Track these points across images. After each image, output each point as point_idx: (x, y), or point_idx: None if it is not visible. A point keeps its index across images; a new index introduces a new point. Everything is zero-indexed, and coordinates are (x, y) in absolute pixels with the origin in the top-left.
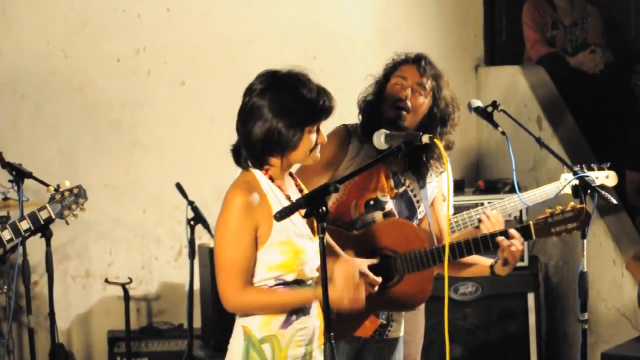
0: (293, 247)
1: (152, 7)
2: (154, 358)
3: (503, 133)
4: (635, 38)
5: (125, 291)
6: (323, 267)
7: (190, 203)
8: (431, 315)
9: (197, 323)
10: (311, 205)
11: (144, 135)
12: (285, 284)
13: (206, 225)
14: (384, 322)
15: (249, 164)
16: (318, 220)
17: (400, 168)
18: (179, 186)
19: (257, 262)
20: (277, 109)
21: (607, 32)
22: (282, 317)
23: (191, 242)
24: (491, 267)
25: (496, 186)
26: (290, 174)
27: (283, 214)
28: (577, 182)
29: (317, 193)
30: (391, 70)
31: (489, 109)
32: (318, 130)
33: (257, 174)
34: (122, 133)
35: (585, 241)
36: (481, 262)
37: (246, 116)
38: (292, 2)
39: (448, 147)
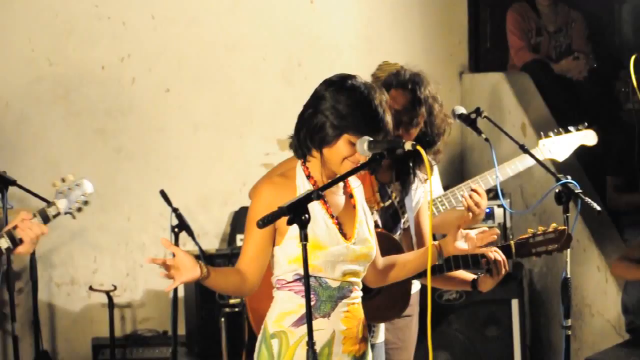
0: (312, 242)
1: (137, 15)
2: None
3: (487, 140)
4: (620, 45)
5: (110, 298)
6: (306, 273)
7: (175, 210)
8: None
9: (182, 330)
10: (294, 212)
11: (128, 142)
12: (302, 279)
13: (190, 232)
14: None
15: (296, 150)
16: (300, 227)
17: (387, 179)
18: (163, 193)
19: (278, 255)
20: (331, 106)
21: (591, 38)
22: (295, 316)
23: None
24: (473, 281)
25: None
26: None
27: (265, 221)
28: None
29: (299, 200)
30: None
31: (473, 116)
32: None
33: (298, 169)
34: (106, 140)
35: (569, 248)
36: (463, 277)
37: (308, 102)
38: (277, 9)
39: (436, 154)
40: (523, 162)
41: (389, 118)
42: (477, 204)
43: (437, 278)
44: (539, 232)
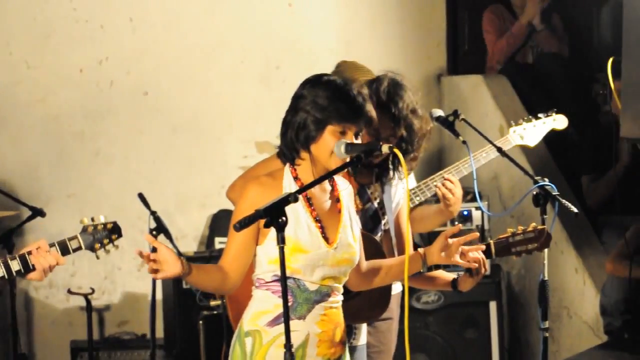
0: (292, 245)
1: (115, 18)
2: None
3: (464, 142)
4: (598, 47)
5: (88, 301)
6: (283, 275)
7: (153, 213)
8: None
9: (160, 333)
10: (271, 215)
11: (106, 145)
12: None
13: (168, 236)
14: (347, 328)
15: (285, 158)
16: (277, 230)
17: (368, 180)
18: (141, 196)
19: (259, 255)
20: (311, 101)
21: (568, 38)
22: (270, 315)
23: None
24: (453, 281)
25: None
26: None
27: (242, 224)
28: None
29: (276, 203)
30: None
31: (451, 119)
32: (344, 134)
33: (286, 170)
34: (84, 143)
35: (546, 250)
36: (443, 277)
37: (289, 106)
38: (255, 13)
39: (412, 160)
40: (494, 151)
41: (370, 107)
42: (451, 191)
43: (417, 279)
44: (518, 232)
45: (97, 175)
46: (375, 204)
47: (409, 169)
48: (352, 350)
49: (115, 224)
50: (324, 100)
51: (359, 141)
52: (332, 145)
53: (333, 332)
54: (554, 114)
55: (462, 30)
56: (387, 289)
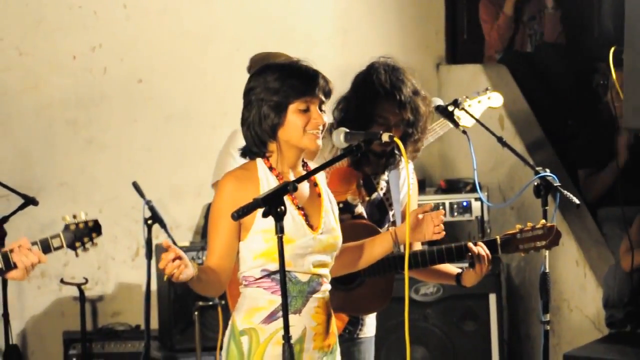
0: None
1: (109, 4)
2: (110, 359)
3: (464, 132)
4: (598, 36)
5: (81, 292)
6: (282, 265)
7: (147, 202)
8: (392, 316)
9: (155, 324)
10: (269, 204)
11: (99, 133)
12: (270, 274)
13: (163, 225)
14: (354, 319)
15: (254, 154)
16: (276, 219)
17: (375, 170)
18: (135, 185)
19: (243, 252)
20: (263, 89)
21: (567, 26)
22: (265, 312)
23: (148, 241)
24: (457, 276)
25: (457, 186)
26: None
27: (240, 213)
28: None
29: (274, 193)
30: (370, 107)
31: (450, 108)
32: (308, 110)
33: (258, 162)
34: (77, 131)
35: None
36: (447, 271)
37: (243, 103)
38: (251, 0)
39: (417, 151)
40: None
41: (323, 76)
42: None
43: (422, 271)
44: (526, 229)
45: (90, 164)
46: (381, 194)
47: (415, 151)
48: (359, 342)
49: (96, 222)
50: (275, 83)
51: (324, 114)
52: (300, 122)
53: (326, 323)
54: (488, 92)
55: (461, 18)
56: (391, 280)
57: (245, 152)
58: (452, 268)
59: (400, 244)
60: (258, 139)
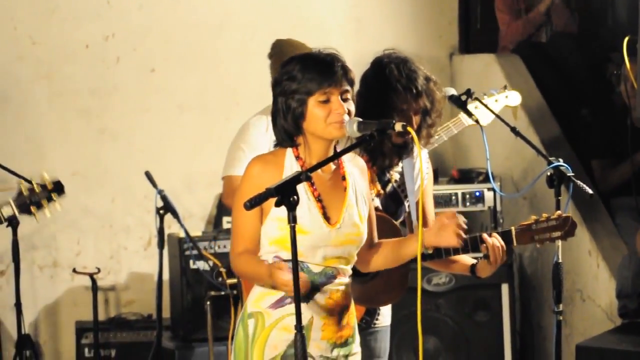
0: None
1: None
2: (122, 349)
3: (477, 122)
4: (613, 26)
5: (93, 281)
6: (294, 255)
7: (160, 192)
8: (404, 306)
9: (166, 314)
10: (282, 193)
11: (112, 123)
12: (283, 262)
13: (175, 215)
14: (371, 309)
15: (285, 144)
16: (289, 209)
17: (389, 161)
18: (148, 174)
19: (262, 236)
20: (286, 81)
21: (583, 16)
22: (275, 297)
23: (160, 231)
24: (472, 267)
25: (470, 176)
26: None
27: (253, 203)
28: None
29: (288, 182)
30: (389, 102)
31: (464, 98)
32: (329, 101)
33: (288, 150)
34: (90, 121)
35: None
36: (463, 261)
37: (272, 95)
38: None
39: (430, 136)
40: (467, 120)
41: (345, 65)
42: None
43: (437, 261)
44: (541, 219)
45: (103, 153)
46: (395, 186)
47: (428, 137)
48: (375, 332)
49: (57, 182)
50: (297, 74)
51: (348, 103)
52: (322, 114)
53: (339, 315)
54: (506, 90)
55: (475, 8)
56: (405, 272)
57: (277, 145)
58: (467, 259)
59: (426, 248)
60: (284, 132)
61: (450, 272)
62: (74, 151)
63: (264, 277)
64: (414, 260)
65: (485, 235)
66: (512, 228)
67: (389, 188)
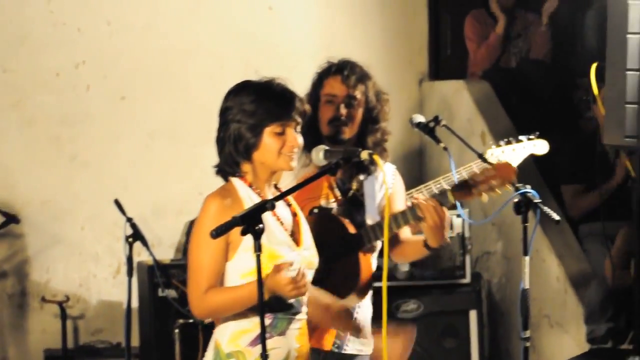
0: (268, 253)
1: (92, 21)
2: None
3: (445, 149)
4: (581, 52)
5: (62, 309)
6: (259, 282)
7: (129, 220)
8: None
9: (135, 342)
10: (247, 222)
11: (83, 150)
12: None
13: (145, 242)
14: (341, 333)
15: (227, 173)
16: (255, 237)
17: (347, 175)
18: (117, 203)
19: (229, 271)
20: (238, 110)
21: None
22: (252, 334)
23: (129, 259)
24: (425, 241)
25: (439, 202)
26: (276, 187)
27: (219, 231)
28: (518, 198)
29: (253, 210)
30: (318, 85)
31: (431, 124)
32: (283, 133)
33: (236, 181)
34: (60, 149)
35: (527, 258)
36: (415, 239)
37: (219, 122)
38: (234, 16)
39: (384, 141)
40: (479, 165)
41: (299, 98)
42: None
43: (393, 249)
44: (477, 174)
45: (73, 181)
46: (358, 195)
47: (376, 145)
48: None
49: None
50: (251, 105)
51: (299, 135)
52: (275, 146)
53: (307, 345)
54: (535, 139)
55: (444, 35)
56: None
57: (219, 171)
58: (416, 237)
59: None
60: (232, 159)
61: (412, 256)
62: (44, 179)
63: (244, 298)
64: (363, 245)
65: (414, 201)
66: (447, 188)
67: (350, 195)
